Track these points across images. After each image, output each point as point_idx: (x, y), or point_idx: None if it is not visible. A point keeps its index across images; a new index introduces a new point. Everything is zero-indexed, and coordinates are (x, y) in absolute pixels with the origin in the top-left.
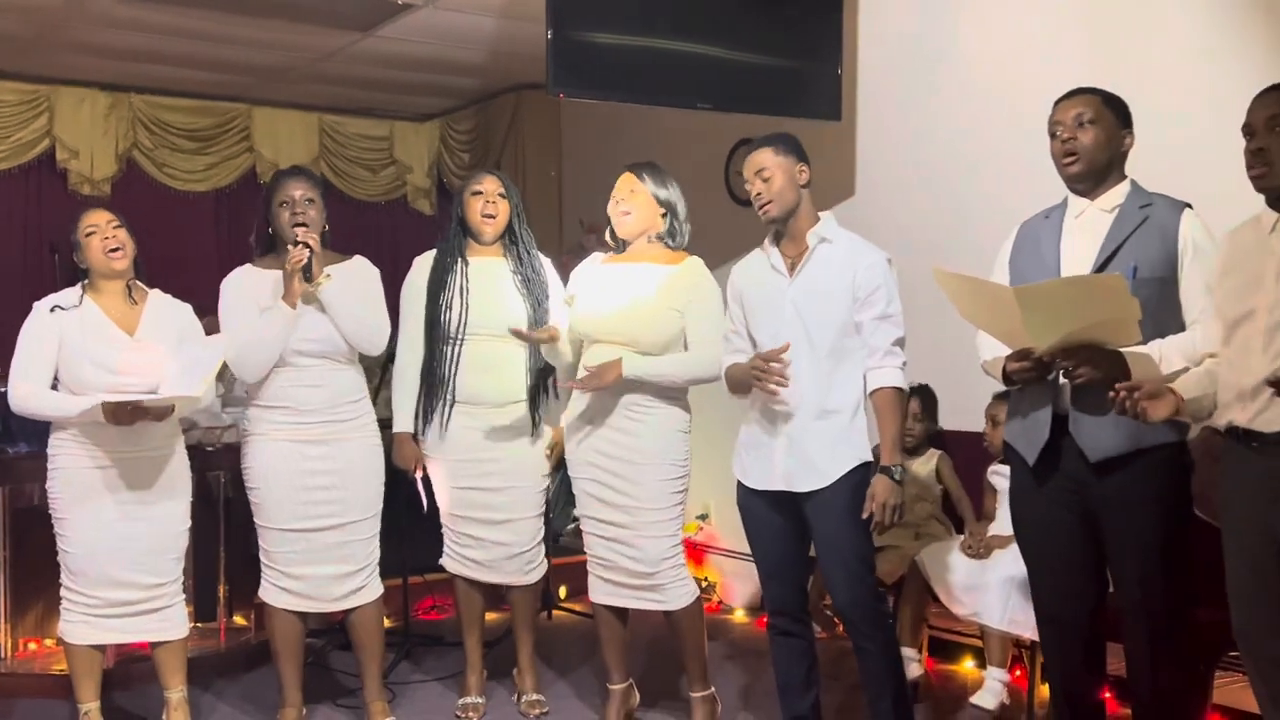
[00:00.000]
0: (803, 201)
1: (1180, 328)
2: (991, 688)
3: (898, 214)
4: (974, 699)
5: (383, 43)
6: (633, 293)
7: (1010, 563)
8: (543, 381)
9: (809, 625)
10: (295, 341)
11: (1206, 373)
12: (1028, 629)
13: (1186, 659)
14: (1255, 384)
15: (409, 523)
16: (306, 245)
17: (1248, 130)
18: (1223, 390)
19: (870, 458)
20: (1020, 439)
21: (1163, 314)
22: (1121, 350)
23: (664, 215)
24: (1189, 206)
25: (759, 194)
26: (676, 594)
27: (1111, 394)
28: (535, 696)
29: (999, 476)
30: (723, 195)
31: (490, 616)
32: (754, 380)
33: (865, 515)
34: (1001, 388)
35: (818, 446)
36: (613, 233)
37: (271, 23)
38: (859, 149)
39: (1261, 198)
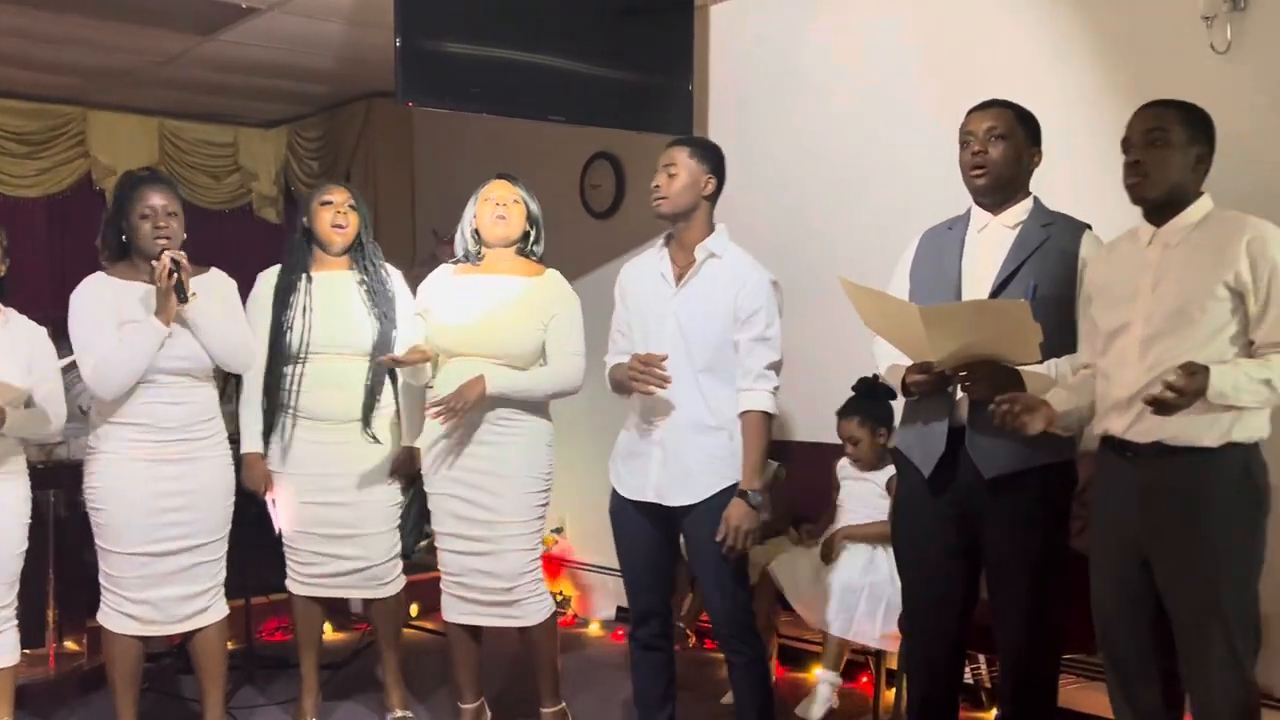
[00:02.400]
0: (699, 211)
1: (1073, 344)
2: (820, 692)
3: (752, 229)
4: (799, 710)
5: (226, 47)
6: (495, 305)
7: (855, 570)
8: (377, 397)
9: (671, 638)
10: (161, 360)
11: (1080, 385)
12: (872, 637)
13: (1053, 668)
14: (1130, 394)
15: (253, 542)
16: (176, 263)
17: (1126, 144)
18: (1100, 400)
19: None
20: (915, 448)
21: (1060, 333)
22: (1019, 368)
23: (530, 228)
24: (1089, 228)
25: (657, 186)
26: (533, 609)
27: (992, 406)
28: (402, 713)
29: (846, 476)
30: (579, 208)
31: (336, 637)
32: (631, 380)
33: (719, 538)
34: (851, 397)
35: (694, 461)
36: (477, 238)
37: (108, 24)
38: None
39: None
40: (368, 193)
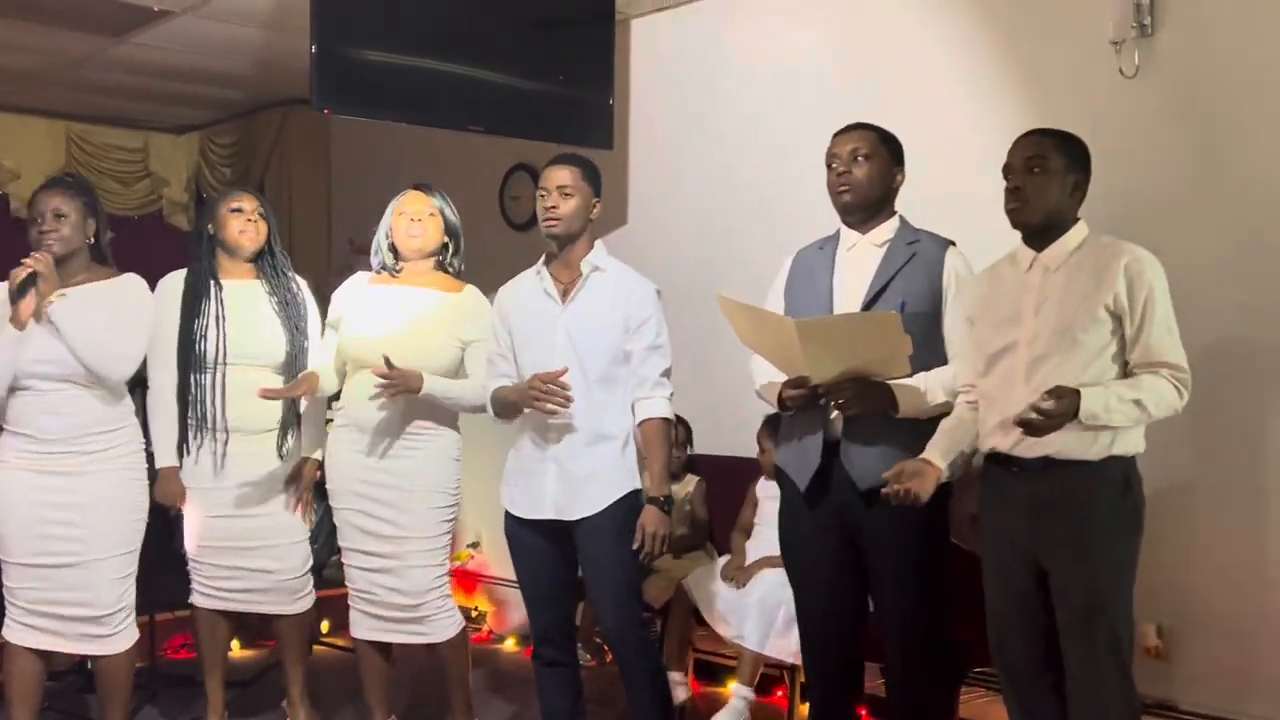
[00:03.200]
0: (586, 232)
1: (943, 360)
2: (734, 707)
3: (670, 243)
4: (714, 719)
5: (138, 50)
6: (413, 318)
7: (772, 586)
8: (294, 410)
9: (575, 654)
10: (26, 364)
11: (957, 425)
12: (787, 652)
13: (940, 677)
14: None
15: (157, 556)
16: (24, 264)
17: (1007, 170)
18: (984, 419)
19: (640, 485)
20: (792, 463)
21: (928, 347)
22: (890, 383)
23: (448, 240)
24: (953, 244)
25: (553, 207)
26: (442, 625)
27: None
28: None
29: (767, 496)
30: (498, 220)
31: (244, 654)
32: (532, 401)
33: (635, 546)
34: (773, 413)
35: (589, 473)
36: (393, 250)
37: (14, 23)
38: (631, 178)
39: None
40: (282, 200)
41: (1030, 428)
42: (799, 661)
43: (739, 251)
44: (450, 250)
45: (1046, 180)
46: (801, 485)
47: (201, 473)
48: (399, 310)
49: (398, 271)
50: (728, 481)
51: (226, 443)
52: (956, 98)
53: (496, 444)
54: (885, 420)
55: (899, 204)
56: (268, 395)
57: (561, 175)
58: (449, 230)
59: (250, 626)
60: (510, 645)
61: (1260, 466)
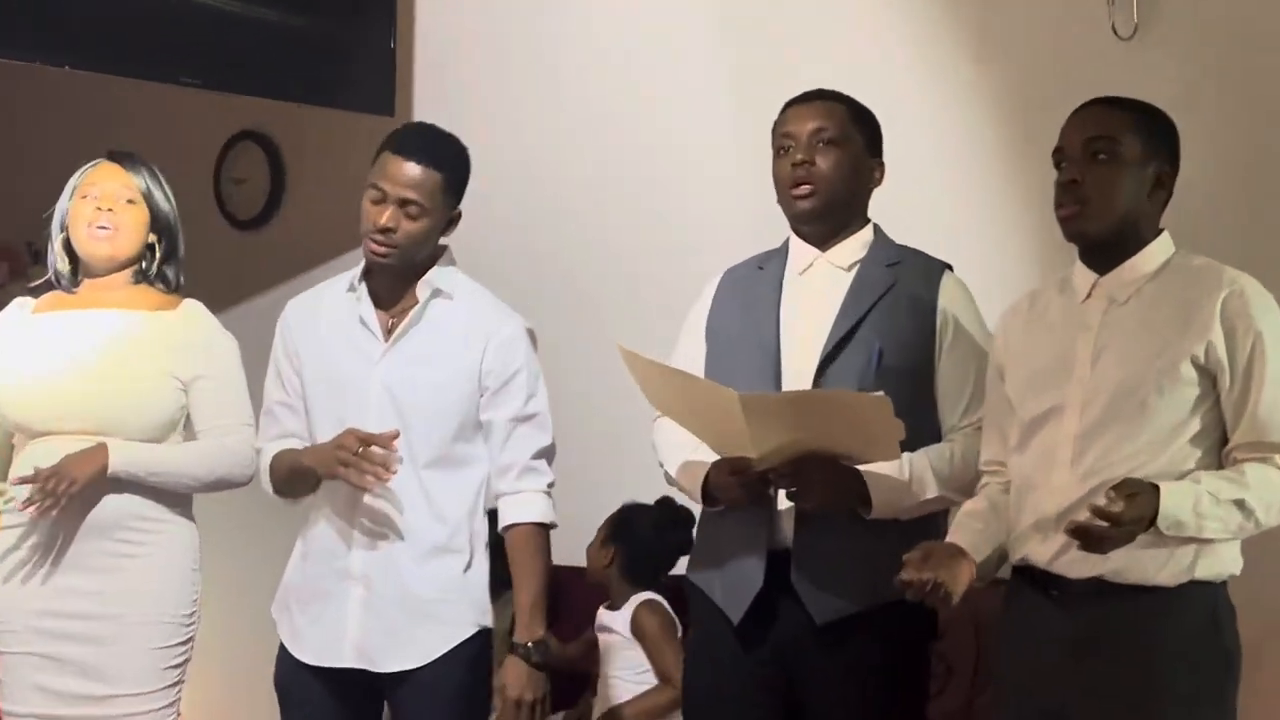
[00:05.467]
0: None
1: (935, 432)
2: None
3: (478, 253)
4: None
5: None
6: (99, 355)
7: None
8: None
9: None
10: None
11: (989, 510)
12: None
13: None
14: (1060, 511)
15: None
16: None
17: (1059, 157)
18: (1015, 514)
19: (491, 623)
20: (717, 584)
21: (915, 415)
22: (863, 469)
23: (157, 240)
24: (949, 268)
25: (389, 229)
26: None
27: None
28: None
29: (609, 632)
30: (212, 213)
31: None
32: (337, 468)
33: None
34: (626, 509)
35: (416, 603)
36: (71, 258)
37: None
38: None
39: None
40: None
41: (1087, 539)
42: None
43: (579, 270)
44: (158, 254)
45: (1117, 172)
46: (735, 616)
47: None
48: (78, 345)
49: (75, 289)
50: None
51: None
52: (894, 62)
53: (252, 540)
54: (854, 522)
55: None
56: None
57: (402, 171)
58: (159, 224)
59: None
60: None
61: None
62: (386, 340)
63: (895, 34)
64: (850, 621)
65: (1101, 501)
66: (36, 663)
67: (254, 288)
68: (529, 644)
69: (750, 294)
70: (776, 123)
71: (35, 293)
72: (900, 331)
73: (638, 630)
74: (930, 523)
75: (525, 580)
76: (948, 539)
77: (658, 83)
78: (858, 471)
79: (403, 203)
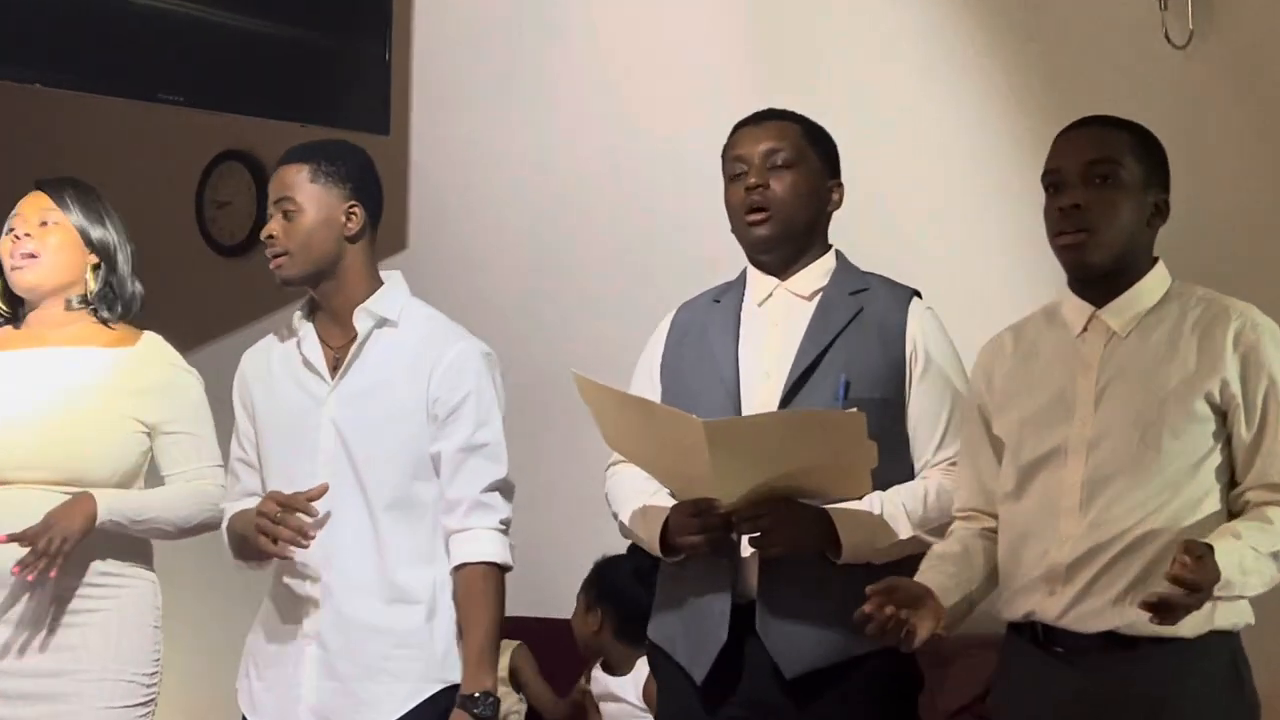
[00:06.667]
0: (346, 260)
1: (906, 469)
2: None
3: (471, 276)
4: None
5: None
6: (55, 395)
7: None
8: None
9: None
10: None
11: (963, 555)
12: None
13: None
14: (1071, 560)
15: None
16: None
17: (1054, 178)
18: (1011, 569)
19: (459, 678)
20: (680, 640)
21: (885, 450)
22: (830, 509)
23: (96, 267)
24: (917, 295)
25: (270, 236)
26: None
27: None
28: None
29: (616, 700)
30: (194, 239)
31: None
32: (257, 534)
33: None
34: (607, 559)
35: (372, 659)
36: (12, 298)
37: None
38: (414, 178)
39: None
40: None
41: (1167, 611)
42: None
43: (575, 293)
44: (97, 280)
45: (1119, 198)
46: (698, 674)
47: None
48: (30, 386)
49: (18, 324)
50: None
51: None
52: (928, 76)
53: (222, 589)
54: (823, 568)
55: (833, 235)
56: None
57: (278, 181)
58: (94, 247)
59: None
60: None
61: None
62: (332, 379)
63: (927, 41)
64: (824, 675)
65: (1180, 570)
66: None
67: (239, 319)
68: (475, 694)
69: (707, 328)
70: (726, 146)
71: None
72: (868, 362)
73: (650, 698)
74: (904, 567)
75: (472, 625)
76: (916, 578)
77: (656, 97)
78: (825, 512)
79: (277, 203)
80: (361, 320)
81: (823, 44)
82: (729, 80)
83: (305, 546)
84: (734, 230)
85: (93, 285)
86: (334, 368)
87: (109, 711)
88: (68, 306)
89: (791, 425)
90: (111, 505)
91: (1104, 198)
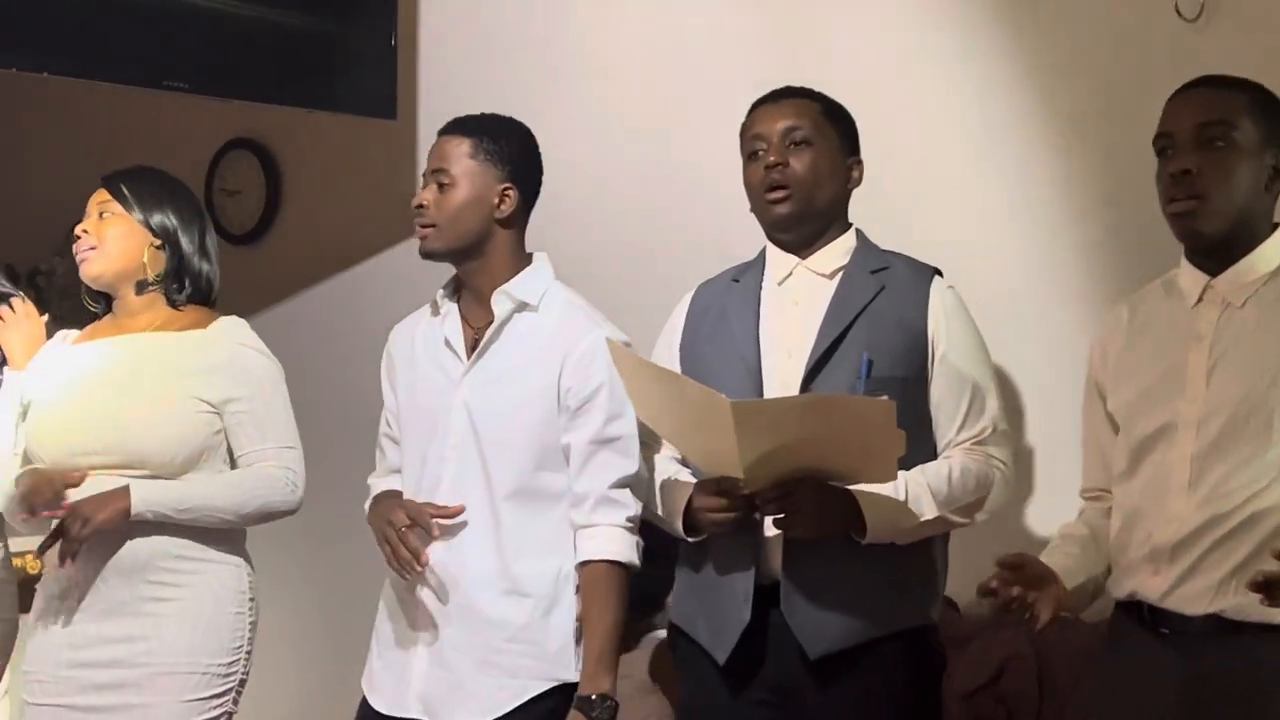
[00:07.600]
0: (494, 241)
1: (929, 449)
2: None
3: None
4: None
5: None
6: (126, 381)
7: None
8: None
9: None
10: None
11: (1089, 536)
12: None
13: None
14: (1177, 540)
15: None
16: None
17: (1165, 143)
18: (1119, 545)
19: (575, 675)
20: (700, 622)
21: (907, 430)
22: (855, 490)
23: (158, 249)
24: (938, 273)
25: (420, 206)
26: None
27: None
28: None
29: None
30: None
31: None
32: (383, 547)
33: None
34: None
35: (483, 652)
36: (89, 291)
37: None
38: (423, 165)
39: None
40: None
41: (1277, 591)
42: None
43: (594, 278)
44: (161, 265)
45: (1235, 161)
46: (721, 655)
47: None
48: (104, 373)
49: (104, 310)
50: None
51: None
52: (928, 46)
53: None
54: (847, 549)
55: (853, 213)
56: None
57: (436, 153)
58: (160, 234)
59: None
60: None
61: None
62: (467, 359)
63: (933, 16)
64: (848, 655)
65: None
66: (64, 714)
67: (249, 307)
68: (592, 696)
69: (726, 308)
70: (745, 125)
71: (81, 323)
72: (889, 341)
73: (656, 677)
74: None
75: (592, 625)
76: (1044, 555)
77: (666, 82)
78: (850, 493)
79: (435, 172)
80: (500, 303)
81: (828, 26)
82: (734, 73)
83: (418, 570)
84: (753, 209)
85: (156, 267)
86: (471, 348)
87: (182, 704)
88: (139, 291)
89: (819, 409)
90: (147, 497)
91: (1217, 161)
